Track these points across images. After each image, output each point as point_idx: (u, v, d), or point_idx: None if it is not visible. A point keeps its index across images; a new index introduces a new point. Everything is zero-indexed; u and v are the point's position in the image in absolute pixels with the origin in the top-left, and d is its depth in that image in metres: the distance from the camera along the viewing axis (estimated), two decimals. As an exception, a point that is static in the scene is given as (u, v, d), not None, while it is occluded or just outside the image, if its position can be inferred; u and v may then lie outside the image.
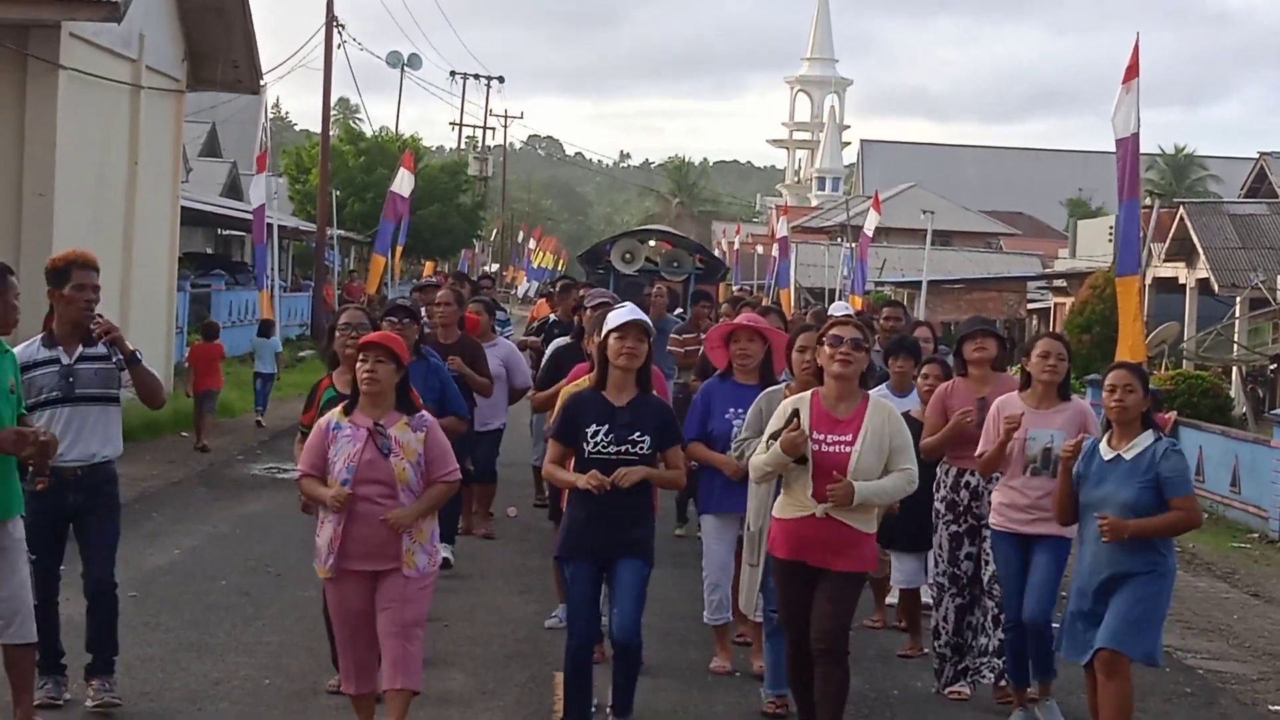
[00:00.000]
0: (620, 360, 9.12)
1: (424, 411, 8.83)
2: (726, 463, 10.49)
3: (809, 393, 9.00)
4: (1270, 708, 11.43)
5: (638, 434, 9.07)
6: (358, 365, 8.59)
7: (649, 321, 9.30)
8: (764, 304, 23.78)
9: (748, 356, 10.77)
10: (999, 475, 10.27)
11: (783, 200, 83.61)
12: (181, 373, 30.64)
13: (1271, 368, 31.17)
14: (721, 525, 10.88)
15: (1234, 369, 32.68)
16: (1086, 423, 10.06)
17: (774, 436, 8.76)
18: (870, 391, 9.17)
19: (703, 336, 13.70)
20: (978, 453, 10.29)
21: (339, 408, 8.76)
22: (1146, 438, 9.08)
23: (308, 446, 8.79)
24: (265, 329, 28.24)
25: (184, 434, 24.16)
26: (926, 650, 11.60)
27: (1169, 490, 8.96)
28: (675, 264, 35.90)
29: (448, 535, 13.71)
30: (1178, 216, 37.02)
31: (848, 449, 8.69)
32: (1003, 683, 10.60)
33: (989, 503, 10.47)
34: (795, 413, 8.73)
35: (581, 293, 17.14)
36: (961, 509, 10.82)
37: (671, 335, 17.85)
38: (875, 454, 8.71)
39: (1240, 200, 40.71)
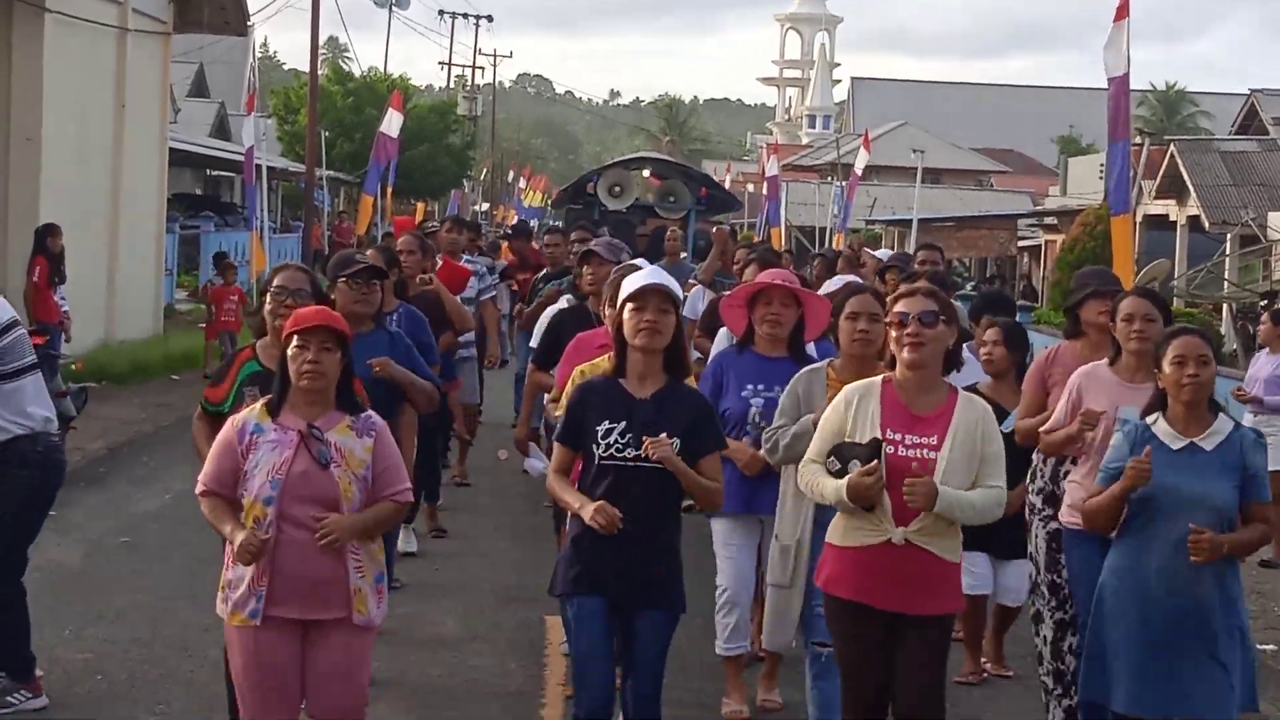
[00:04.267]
0: (638, 339, 7.01)
1: (370, 412, 6.76)
2: (740, 450, 8.49)
3: (879, 379, 7.02)
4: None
5: (664, 435, 6.91)
6: (292, 352, 6.51)
7: (674, 286, 7.22)
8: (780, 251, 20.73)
9: (779, 324, 8.62)
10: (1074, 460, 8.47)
11: (773, 138, 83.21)
12: (171, 313, 30.70)
13: (1262, 305, 31.14)
14: (740, 530, 8.84)
15: (1224, 306, 32.68)
16: None
17: (839, 455, 6.84)
18: (955, 381, 7.17)
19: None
20: (1045, 428, 8.45)
21: (259, 405, 6.66)
22: (1224, 424, 7.24)
23: (214, 453, 6.68)
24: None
25: (174, 377, 24.15)
26: (988, 671, 10.10)
27: (1253, 492, 7.16)
28: (672, 198, 30.41)
29: (431, 495, 13.04)
30: (1168, 154, 37.00)
31: (932, 454, 6.76)
32: None
33: None
34: (877, 447, 6.73)
35: (573, 237, 15.74)
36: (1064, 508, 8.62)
37: (690, 281, 15.87)
38: (965, 463, 6.77)
39: (1231, 137, 40.68)
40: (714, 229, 19.37)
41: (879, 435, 6.73)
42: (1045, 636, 8.74)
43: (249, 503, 6.50)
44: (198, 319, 29.42)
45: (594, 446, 6.98)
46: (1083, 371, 8.31)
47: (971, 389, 7.96)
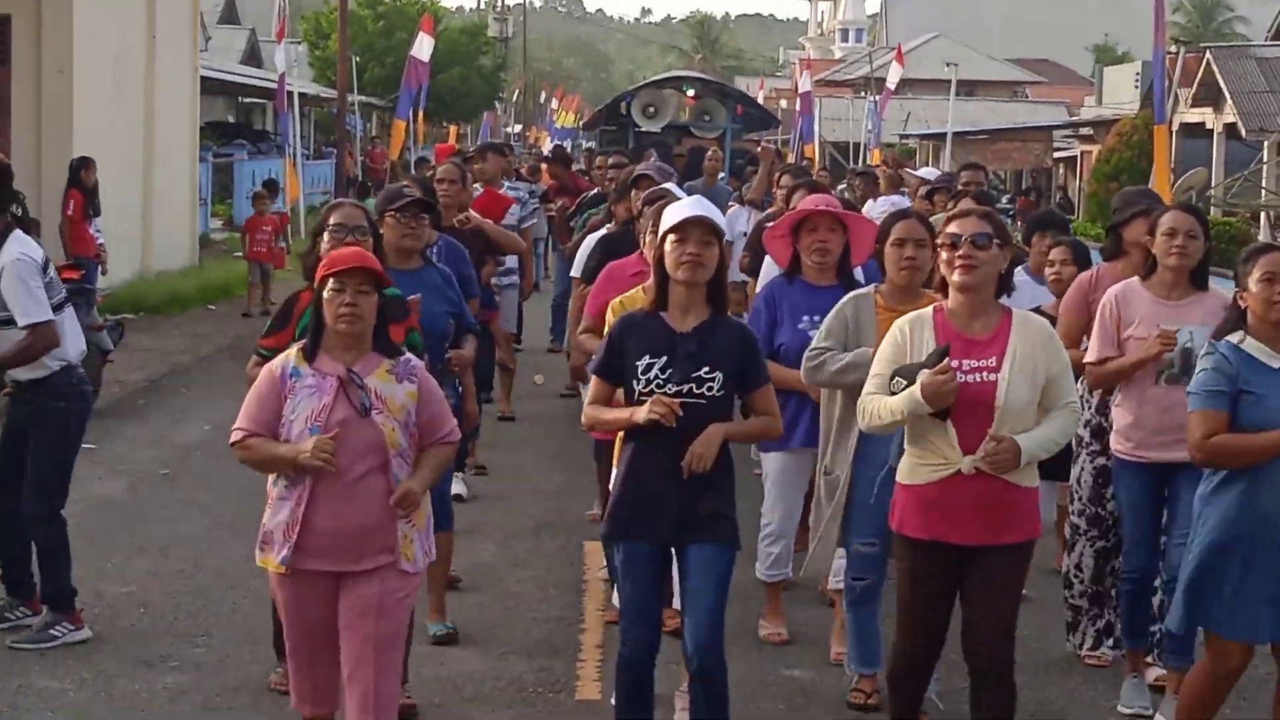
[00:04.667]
0: (680, 273, 6.67)
1: (409, 355, 6.50)
2: (797, 380, 8.10)
3: (930, 309, 6.70)
4: None
5: (706, 369, 6.62)
6: (328, 295, 6.22)
7: (718, 216, 6.86)
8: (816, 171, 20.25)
9: (826, 251, 8.39)
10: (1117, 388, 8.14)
11: (805, 54, 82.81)
12: (207, 243, 30.79)
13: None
14: (795, 464, 8.74)
15: (1262, 214, 32.49)
16: None
17: (902, 375, 6.50)
18: (1010, 303, 6.85)
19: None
20: (1089, 359, 8.05)
21: (295, 349, 6.38)
22: None
23: (253, 396, 6.37)
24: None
25: (210, 307, 24.23)
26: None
27: None
28: (707, 117, 30.11)
29: (472, 431, 11.00)
30: (1204, 61, 36.68)
31: (993, 376, 6.43)
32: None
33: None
34: (944, 351, 6.43)
35: (610, 162, 15.52)
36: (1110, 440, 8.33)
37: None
38: (1028, 384, 6.44)
39: (1267, 44, 40.31)
40: (759, 147, 19.16)
41: (942, 346, 6.44)
42: (1084, 564, 8.62)
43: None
44: (233, 248, 29.48)
45: (634, 382, 6.67)
46: (1116, 290, 8.01)
47: (1036, 311, 7.65)
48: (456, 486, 11.29)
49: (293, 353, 6.34)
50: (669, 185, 9.76)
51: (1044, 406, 6.50)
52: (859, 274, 8.63)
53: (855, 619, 8.06)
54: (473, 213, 11.91)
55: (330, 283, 6.22)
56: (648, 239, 7.95)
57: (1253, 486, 6.75)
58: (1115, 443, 8.07)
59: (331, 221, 7.43)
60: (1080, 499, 8.63)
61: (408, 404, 6.28)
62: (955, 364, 6.36)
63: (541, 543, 11.11)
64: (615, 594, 7.76)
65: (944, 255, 6.60)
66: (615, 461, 7.21)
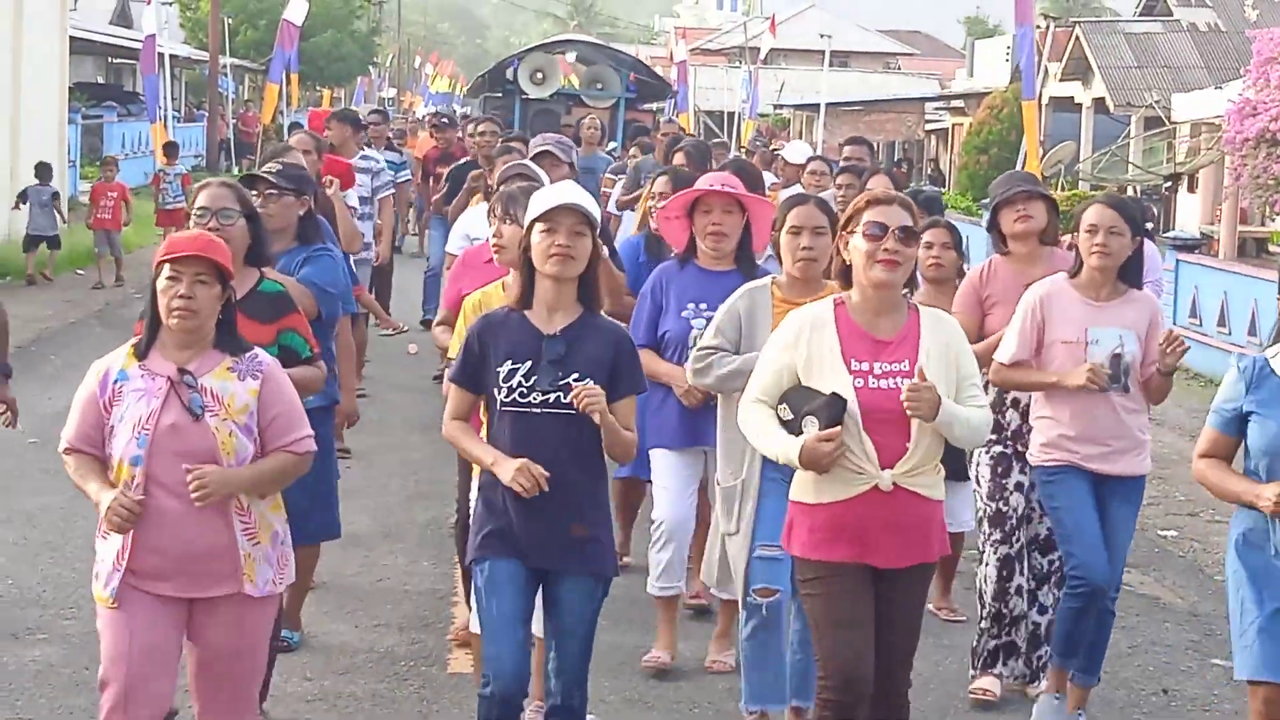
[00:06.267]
0: (549, 266, 5.97)
1: (257, 350, 5.77)
2: (679, 377, 7.59)
3: (828, 303, 6.05)
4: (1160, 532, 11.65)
5: (576, 375, 5.93)
6: (163, 285, 5.51)
7: (589, 203, 6.14)
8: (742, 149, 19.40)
9: (722, 235, 7.67)
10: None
11: (680, 21, 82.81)
12: (75, 206, 30.33)
13: (1165, 187, 31.42)
14: (679, 464, 7.97)
15: (1129, 189, 32.93)
16: (1158, 319, 7.39)
17: (791, 404, 5.88)
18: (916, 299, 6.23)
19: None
20: (1001, 357, 7.44)
21: (127, 347, 5.70)
22: None
23: (76, 404, 5.73)
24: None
25: (79, 272, 23.95)
26: (960, 611, 9.16)
27: None
28: (599, 85, 28.68)
29: None
30: (1074, 36, 37.09)
31: (908, 380, 5.79)
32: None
33: None
34: (841, 406, 5.75)
35: (481, 129, 14.62)
36: (1010, 431, 7.85)
37: (606, 176, 15.42)
38: (945, 386, 5.83)
39: (1136, 19, 40.79)
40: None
41: (841, 389, 5.78)
42: (987, 575, 7.87)
43: (115, 464, 5.56)
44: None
45: (496, 390, 5.98)
46: (1042, 289, 7.39)
47: None
48: None
49: (124, 351, 5.68)
50: (529, 163, 9.19)
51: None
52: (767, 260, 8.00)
53: (756, 645, 7.07)
54: (336, 185, 11.54)
55: (165, 271, 5.54)
56: (503, 227, 7.24)
57: (1250, 520, 6.06)
58: (1040, 454, 7.45)
59: (197, 204, 6.84)
60: (980, 496, 7.98)
61: (250, 404, 5.58)
62: (866, 368, 5.84)
63: (413, 514, 11.11)
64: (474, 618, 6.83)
65: (862, 245, 5.89)
66: (476, 474, 6.45)
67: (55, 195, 23.47)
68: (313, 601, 9.01)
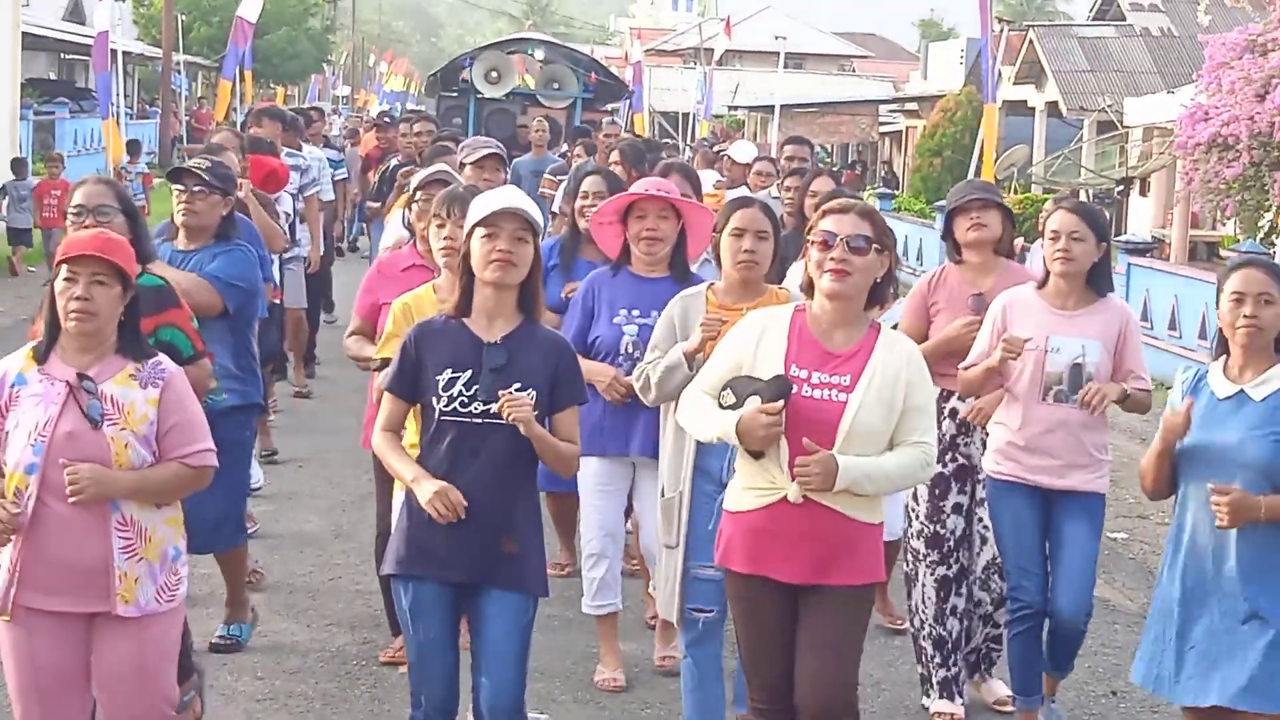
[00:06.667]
0: (489, 272, 5.78)
1: (162, 357, 5.57)
2: (600, 371, 7.49)
3: (790, 307, 5.89)
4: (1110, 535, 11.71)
5: (517, 385, 5.74)
6: (60, 286, 5.38)
7: (532, 208, 5.92)
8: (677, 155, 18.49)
9: (656, 240, 7.52)
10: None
11: (635, 22, 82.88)
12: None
13: (1118, 191, 31.56)
14: (608, 473, 7.80)
15: (1082, 192, 33.07)
16: (1129, 330, 7.23)
17: (735, 389, 5.70)
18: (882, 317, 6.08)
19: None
20: (964, 364, 7.34)
21: (26, 350, 5.53)
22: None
23: None
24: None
25: (31, 269, 23.82)
26: (901, 620, 8.84)
27: None
28: (555, 84, 27.93)
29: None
30: (1027, 39, 37.22)
31: (843, 395, 5.58)
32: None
33: (982, 441, 7.61)
34: (785, 386, 5.58)
35: (415, 129, 14.53)
36: (946, 443, 7.67)
37: (545, 176, 15.19)
38: (882, 410, 5.59)
39: (1089, 23, 40.94)
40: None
41: (784, 372, 5.62)
42: (926, 596, 7.74)
43: (9, 472, 5.37)
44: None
45: (434, 399, 5.78)
46: (1007, 298, 7.27)
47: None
48: (254, 473, 10.65)
49: (23, 354, 5.50)
50: (446, 165, 9.04)
51: (894, 440, 5.65)
52: (704, 268, 7.96)
53: (690, 665, 6.88)
54: (248, 186, 10.80)
55: (62, 272, 5.37)
56: (435, 232, 7.13)
57: (1173, 529, 6.22)
58: (992, 463, 7.32)
59: (72, 203, 6.67)
60: (917, 516, 7.79)
61: (150, 414, 5.41)
62: (804, 375, 5.61)
63: (365, 514, 11.05)
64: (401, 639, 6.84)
65: (813, 254, 5.71)
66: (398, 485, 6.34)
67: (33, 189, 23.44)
68: (264, 601, 9.00)
